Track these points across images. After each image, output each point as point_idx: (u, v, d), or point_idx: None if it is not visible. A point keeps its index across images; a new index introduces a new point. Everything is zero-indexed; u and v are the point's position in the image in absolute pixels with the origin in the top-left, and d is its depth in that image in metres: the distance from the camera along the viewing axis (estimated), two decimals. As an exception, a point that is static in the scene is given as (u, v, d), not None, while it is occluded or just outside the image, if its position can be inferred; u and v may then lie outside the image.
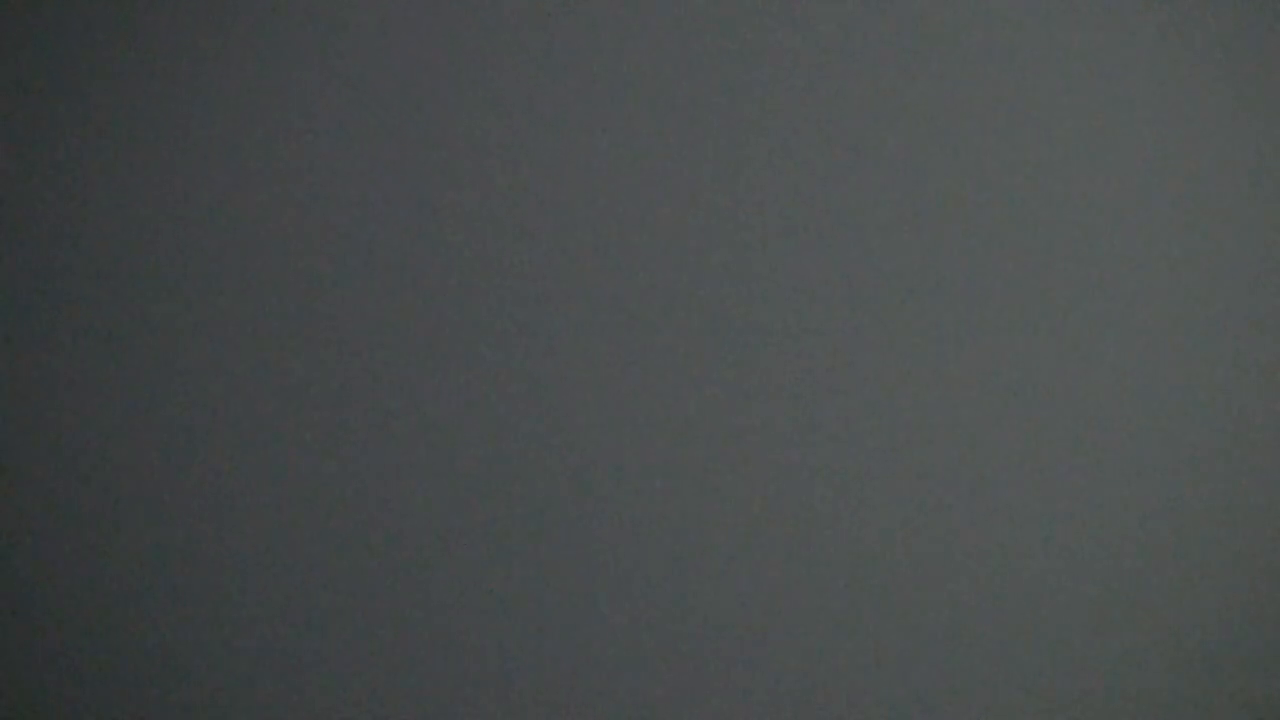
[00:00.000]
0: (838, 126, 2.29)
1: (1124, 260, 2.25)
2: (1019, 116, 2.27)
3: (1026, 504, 2.25)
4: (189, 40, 2.37)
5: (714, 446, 2.29)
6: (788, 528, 2.27)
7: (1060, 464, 2.25)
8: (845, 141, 2.29)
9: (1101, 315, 2.25)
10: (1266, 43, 2.24)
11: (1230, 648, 2.22)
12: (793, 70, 2.29)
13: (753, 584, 2.28)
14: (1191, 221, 2.25)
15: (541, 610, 2.30)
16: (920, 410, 2.26)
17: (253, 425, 2.34)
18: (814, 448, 2.27)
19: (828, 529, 2.27)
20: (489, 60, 2.34)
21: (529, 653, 2.30)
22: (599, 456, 2.30)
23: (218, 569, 2.34)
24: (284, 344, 2.34)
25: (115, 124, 2.38)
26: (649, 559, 2.29)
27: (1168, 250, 2.25)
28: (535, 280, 2.32)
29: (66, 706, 2.36)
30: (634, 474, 2.30)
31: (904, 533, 2.26)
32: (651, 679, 2.29)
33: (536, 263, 2.32)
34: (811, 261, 2.28)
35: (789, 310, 2.28)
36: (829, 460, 2.27)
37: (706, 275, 2.30)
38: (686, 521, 2.29)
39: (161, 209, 2.37)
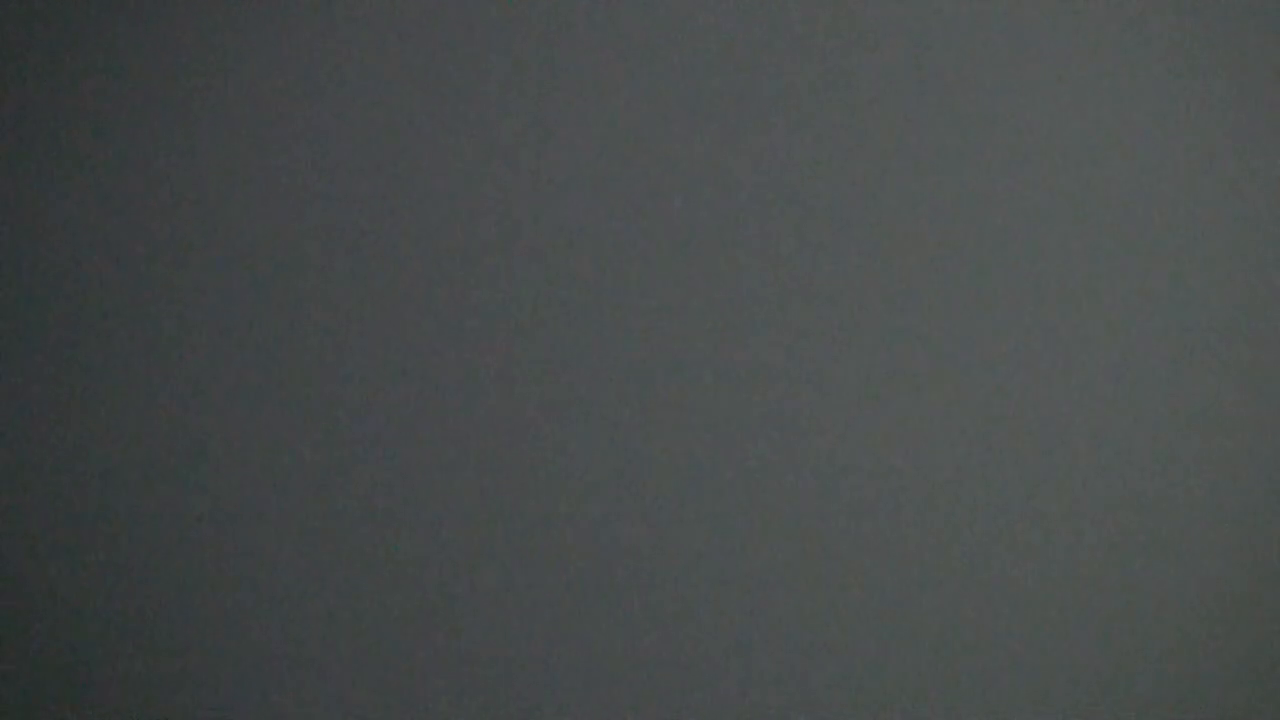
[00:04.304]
0: (838, 124, 2.29)
1: (1121, 259, 2.25)
2: (1018, 114, 2.27)
3: (1025, 504, 2.25)
4: (189, 39, 2.37)
5: (712, 446, 2.29)
6: (787, 529, 2.28)
7: (1059, 464, 2.25)
8: (844, 140, 2.29)
9: (1100, 314, 2.25)
10: (1267, 43, 2.24)
11: (1230, 648, 2.22)
12: (792, 69, 2.29)
13: (752, 586, 2.28)
14: (1190, 221, 2.25)
15: (539, 610, 2.31)
16: (920, 409, 2.26)
17: (252, 425, 2.34)
18: (813, 447, 2.28)
19: (827, 528, 2.27)
20: (489, 58, 2.34)
21: (528, 653, 2.31)
22: (598, 457, 2.30)
23: (217, 569, 2.34)
24: (284, 343, 2.35)
25: (114, 123, 2.38)
26: (648, 559, 2.29)
27: (1166, 250, 2.25)
28: (535, 280, 2.32)
29: (66, 707, 2.36)
30: (634, 475, 2.30)
31: (903, 534, 2.26)
32: (649, 680, 2.29)
33: (537, 262, 2.32)
34: (811, 260, 2.28)
35: (788, 310, 2.29)
36: (828, 460, 2.27)
37: (706, 275, 2.30)
38: (686, 521, 2.29)
39: (161, 208, 2.37)
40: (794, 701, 2.27)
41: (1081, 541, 2.24)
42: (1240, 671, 2.22)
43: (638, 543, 2.29)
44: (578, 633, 2.30)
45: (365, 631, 2.32)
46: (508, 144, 2.33)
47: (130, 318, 2.37)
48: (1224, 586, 2.22)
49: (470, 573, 2.31)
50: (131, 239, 2.37)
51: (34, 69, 2.39)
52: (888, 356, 2.27)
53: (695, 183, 2.30)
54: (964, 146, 2.27)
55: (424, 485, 2.32)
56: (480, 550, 2.31)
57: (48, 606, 2.36)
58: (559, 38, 2.33)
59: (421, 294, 2.33)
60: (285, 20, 2.36)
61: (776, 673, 2.27)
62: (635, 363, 2.30)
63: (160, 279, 2.37)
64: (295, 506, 2.34)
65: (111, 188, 2.38)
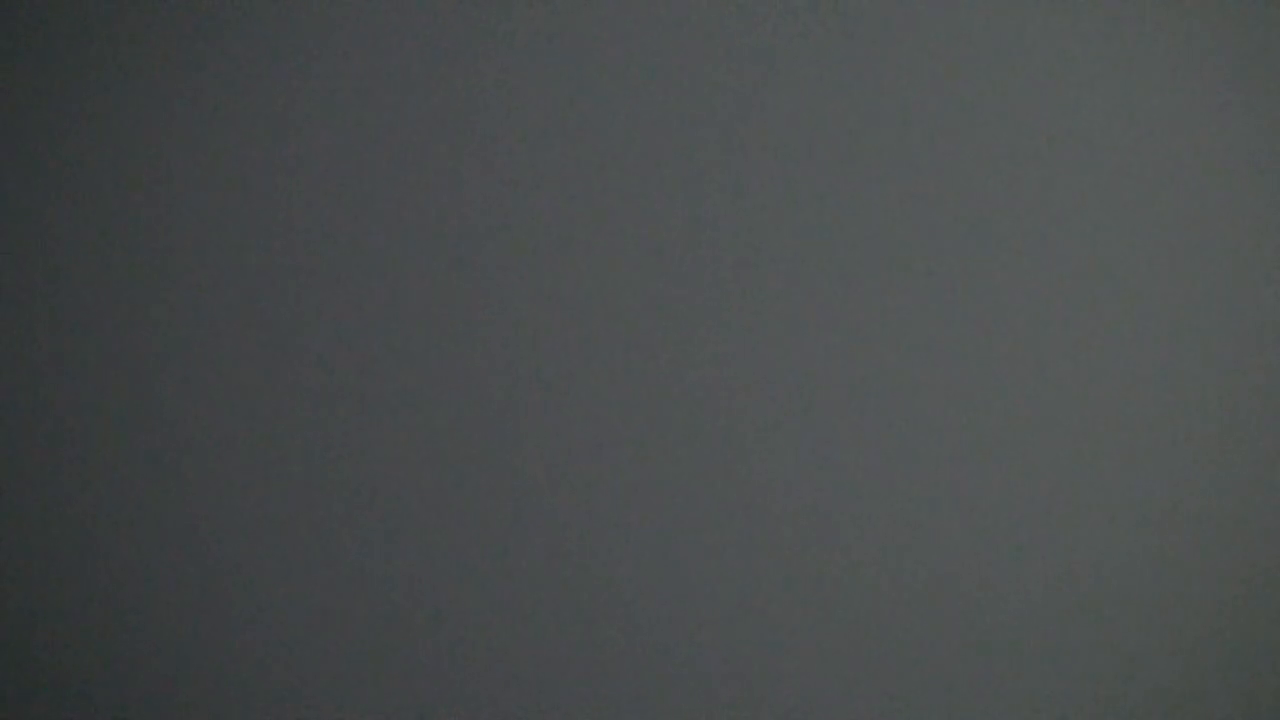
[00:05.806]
0: (837, 124, 2.29)
1: (1121, 261, 2.25)
2: (1018, 115, 2.27)
3: (1024, 507, 2.25)
4: (188, 39, 2.38)
5: (710, 450, 2.29)
6: (786, 532, 2.28)
7: (1058, 467, 2.25)
8: (844, 140, 2.29)
9: (1100, 316, 2.25)
10: (1267, 43, 2.24)
11: (1230, 650, 2.22)
12: (791, 69, 2.29)
13: (750, 590, 2.28)
14: (1190, 222, 2.25)
15: (535, 611, 2.31)
16: (919, 413, 2.26)
17: (251, 425, 2.34)
18: (813, 449, 2.28)
19: (827, 530, 2.27)
20: (488, 58, 2.34)
21: (524, 655, 2.30)
22: (595, 459, 2.30)
23: (216, 569, 2.34)
24: (282, 344, 2.35)
25: (114, 124, 2.38)
26: (646, 561, 2.29)
27: (1166, 251, 2.25)
28: (533, 281, 2.32)
29: (67, 706, 2.36)
30: (632, 477, 2.30)
31: (902, 538, 2.26)
32: (644, 682, 2.29)
33: (534, 263, 2.32)
34: (809, 263, 2.28)
35: (787, 312, 2.29)
36: (828, 462, 2.27)
37: (704, 277, 2.30)
38: (685, 524, 2.29)
39: (160, 208, 2.37)
40: (795, 706, 2.27)
41: (1083, 546, 2.24)
42: (1240, 677, 2.22)
43: (636, 546, 2.29)
44: (574, 638, 2.30)
45: (363, 634, 2.32)
46: (505, 144, 2.33)
47: (129, 318, 2.37)
48: (1225, 591, 2.22)
49: (466, 578, 2.31)
50: (128, 239, 2.37)
51: (34, 69, 2.40)
52: (887, 359, 2.27)
53: (694, 183, 2.30)
54: (963, 148, 2.27)
55: (419, 488, 2.32)
56: (477, 553, 2.31)
57: (46, 607, 2.37)
58: (556, 36, 2.33)
59: (417, 295, 2.33)
60: (284, 19, 2.37)
61: (775, 680, 2.27)
62: (632, 364, 2.30)
63: (158, 279, 2.37)
64: (293, 507, 2.34)
65: (105, 188, 2.38)
